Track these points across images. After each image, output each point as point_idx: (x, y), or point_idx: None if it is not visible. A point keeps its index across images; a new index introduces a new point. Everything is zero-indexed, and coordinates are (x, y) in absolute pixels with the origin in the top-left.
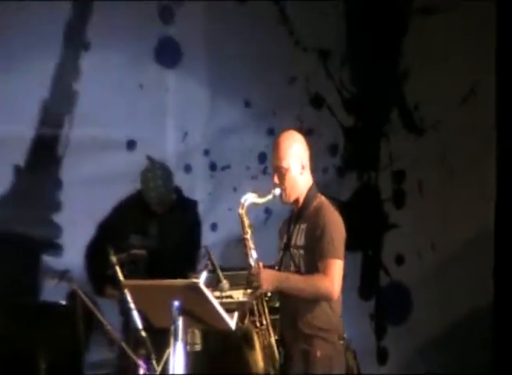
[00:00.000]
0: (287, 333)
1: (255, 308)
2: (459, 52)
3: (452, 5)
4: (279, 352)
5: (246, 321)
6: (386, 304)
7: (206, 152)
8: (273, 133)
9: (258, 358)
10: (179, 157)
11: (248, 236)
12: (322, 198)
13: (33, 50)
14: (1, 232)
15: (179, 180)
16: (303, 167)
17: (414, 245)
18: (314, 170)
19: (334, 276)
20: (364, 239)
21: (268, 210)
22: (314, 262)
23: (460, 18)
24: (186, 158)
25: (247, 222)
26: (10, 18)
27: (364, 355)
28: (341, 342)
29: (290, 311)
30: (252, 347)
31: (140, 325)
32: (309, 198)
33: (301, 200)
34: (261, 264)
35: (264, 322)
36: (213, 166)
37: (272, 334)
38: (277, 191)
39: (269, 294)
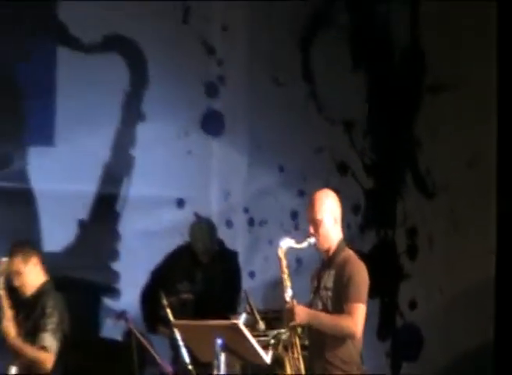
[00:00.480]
0: (315, 363)
1: (290, 340)
2: (465, 124)
3: (457, 82)
4: None
5: (279, 349)
6: (401, 343)
7: (245, 210)
8: (303, 195)
9: None
10: (221, 214)
11: (285, 275)
12: (350, 251)
13: (96, 118)
14: (68, 277)
15: (222, 233)
16: (335, 221)
17: (425, 292)
18: None
19: (357, 318)
20: (382, 287)
21: (298, 260)
22: (339, 303)
23: (466, 93)
24: (228, 215)
25: (284, 263)
26: (78, 89)
27: None
28: (361, 370)
29: (318, 344)
30: (283, 370)
31: (187, 359)
32: (339, 248)
33: (332, 249)
34: (295, 300)
35: (296, 352)
36: (251, 222)
37: (302, 363)
38: (312, 240)
39: (300, 330)
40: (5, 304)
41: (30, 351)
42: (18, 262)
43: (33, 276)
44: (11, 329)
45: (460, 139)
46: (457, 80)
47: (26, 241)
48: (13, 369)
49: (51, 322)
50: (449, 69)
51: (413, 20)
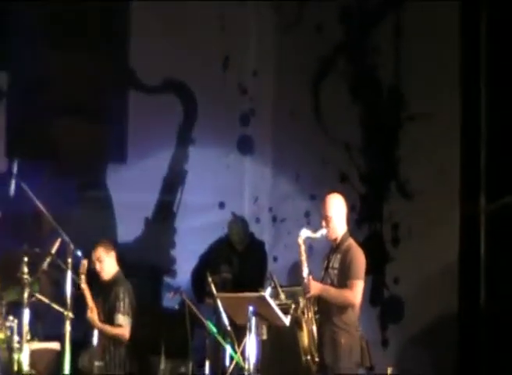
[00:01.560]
0: (324, 325)
1: (306, 306)
2: (435, 144)
3: (429, 114)
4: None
5: (299, 312)
6: (387, 309)
7: (270, 210)
8: (314, 198)
9: (304, 337)
10: (252, 213)
11: (303, 258)
12: (352, 240)
13: (158, 142)
14: (137, 261)
15: (252, 228)
16: (341, 217)
17: (405, 271)
18: None
19: (357, 291)
20: (373, 267)
21: (311, 247)
22: (344, 279)
23: (436, 122)
24: (257, 214)
25: (303, 247)
26: (143, 120)
27: (372, 343)
28: (358, 333)
29: (326, 311)
30: (301, 328)
31: (227, 322)
32: (344, 238)
33: (338, 239)
34: (310, 277)
35: (310, 315)
36: (274, 219)
37: (314, 323)
38: (324, 231)
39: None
40: (88, 296)
41: (109, 329)
42: (101, 251)
43: (110, 265)
44: (95, 317)
45: (432, 155)
46: (429, 112)
47: (109, 239)
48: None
49: (123, 304)
50: (422, 104)
51: (396, 68)
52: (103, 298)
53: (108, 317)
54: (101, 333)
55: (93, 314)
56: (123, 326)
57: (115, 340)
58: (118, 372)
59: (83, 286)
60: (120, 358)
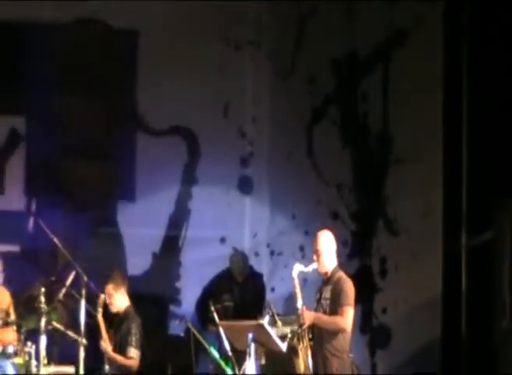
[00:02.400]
0: (316, 352)
1: (301, 334)
2: (420, 185)
3: (414, 157)
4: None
5: (294, 340)
6: (376, 336)
7: (268, 245)
8: (308, 234)
9: (300, 363)
10: (251, 248)
11: (297, 290)
12: (342, 273)
13: (164, 182)
14: (146, 293)
15: (252, 261)
16: (332, 252)
17: (392, 301)
18: None
19: (347, 317)
20: (362, 297)
21: (305, 280)
22: (335, 308)
23: (420, 165)
24: (256, 248)
25: (296, 281)
26: (150, 161)
27: (362, 367)
28: (349, 359)
29: (319, 338)
30: (297, 355)
31: (228, 347)
32: (334, 271)
33: (329, 273)
34: (304, 307)
35: (305, 343)
36: (272, 253)
37: (309, 351)
38: (315, 265)
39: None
40: (103, 328)
41: (121, 360)
42: (110, 287)
43: (120, 300)
44: (108, 346)
45: (417, 196)
46: (414, 156)
47: (119, 274)
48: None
49: (135, 338)
50: (408, 149)
51: (383, 115)
52: (115, 329)
53: (119, 347)
54: (111, 361)
55: (106, 344)
56: (134, 358)
57: (124, 368)
58: None
59: (99, 318)
60: None
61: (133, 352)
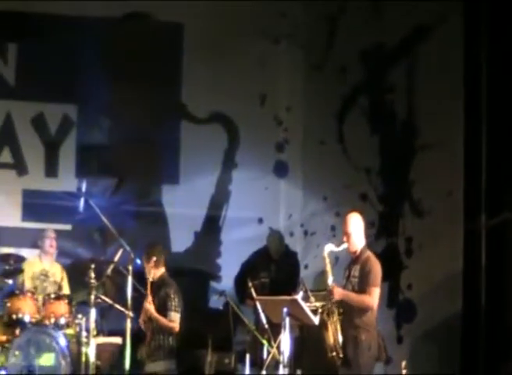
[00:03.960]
0: (345, 325)
1: (331, 309)
2: (442, 170)
3: (438, 143)
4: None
5: (324, 314)
6: (402, 311)
7: (302, 225)
8: (339, 215)
9: (330, 336)
10: (286, 228)
11: (328, 268)
12: (370, 252)
13: (206, 166)
14: (187, 268)
15: (287, 240)
16: (360, 233)
17: (417, 278)
18: None
19: (374, 296)
20: (389, 275)
21: (336, 258)
22: (362, 286)
23: (443, 150)
24: (291, 229)
25: (327, 260)
26: (193, 148)
27: (389, 339)
28: (376, 332)
29: (348, 313)
30: (327, 328)
31: (264, 321)
32: (363, 251)
33: (358, 252)
34: (334, 284)
35: (335, 317)
36: (305, 233)
37: (339, 325)
38: (345, 245)
39: (336, 304)
40: (149, 291)
41: (163, 321)
42: (147, 257)
43: (157, 269)
44: (151, 308)
45: (440, 179)
46: (437, 141)
47: (156, 246)
48: None
49: (174, 302)
50: (432, 134)
51: (409, 103)
52: (153, 296)
53: (158, 312)
54: (150, 324)
55: (151, 305)
56: (175, 321)
57: (164, 330)
58: (165, 358)
59: (149, 284)
60: (169, 346)
61: (174, 316)
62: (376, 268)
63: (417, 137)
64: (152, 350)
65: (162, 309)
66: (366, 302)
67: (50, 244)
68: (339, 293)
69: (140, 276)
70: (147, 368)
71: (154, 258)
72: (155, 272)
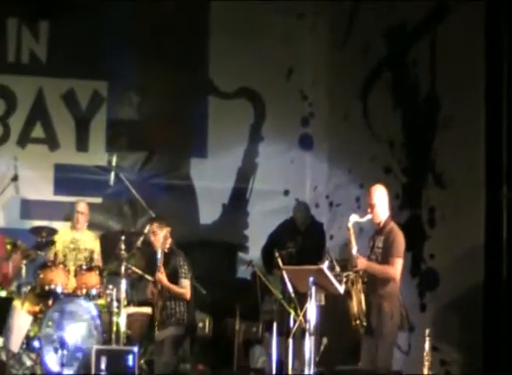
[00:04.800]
0: (369, 295)
1: (355, 279)
2: (465, 142)
3: (459, 117)
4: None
5: (349, 284)
6: (425, 280)
7: (327, 196)
8: (363, 187)
9: (354, 305)
10: (312, 199)
11: (352, 238)
12: (394, 224)
13: (233, 140)
14: (216, 240)
15: (313, 211)
16: (384, 204)
17: (439, 248)
18: None
19: (397, 267)
20: (413, 244)
21: (361, 229)
22: (386, 257)
23: (465, 124)
24: (316, 200)
25: (352, 230)
26: (220, 122)
27: (412, 307)
28: (399, 302)
29: (372, 283)
30: (351, 298)
31: (291, 290)
32: (386, 222)
33: (382, 223)
34: (358, 254)
35: (359, 287)
36: (331, 204)
37: (363, 294)
38: (369, 217)
39: (360, 273)
40: (162, 262)
41: (175, 289)
42: (155, 226)
43: (162, 239)
44: (164, 277)
45: (462, 151)
46: (459, 114)
47: (165, 217)
48: None
49: (184, 270)
50: (454, 107)
51: (431, 77)
52: (165, 264)
53: (170, 279)
54: (161, 294)
55: (163, 275)
56: (186, 287)
57: (175, 298)
58: (174, 324)
59: (161, 255)
60: (180, 313)
61: (185, 283)
62: (399, 239)
63: (439, 111)
64: (164, 318)
65: (173, 278)
66: (389, 273)
67: (80, 215)
68: (362, 263)
69: None
70: (156, 337)
71: (169, 229)
72: (167, 242)
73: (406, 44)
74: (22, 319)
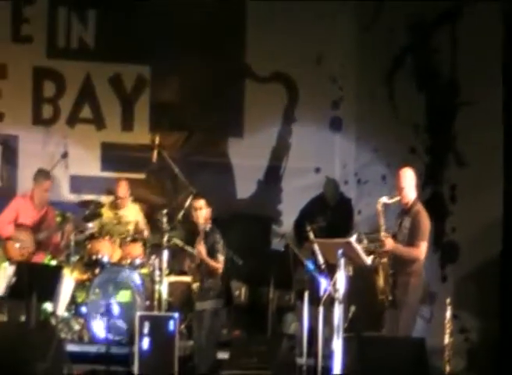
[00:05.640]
0: (398, 273)
1: (382, 256)
2: (484, 124)
3: (479, 99)
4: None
5: (376, 260)
6: (446, 252)
7: (355, 174)
8: (390, 166)
9: (380, 280)
10: (341, 176)
11: (381, 219)
12: (420, 205)
13: (265, 119)
14: (252, 214)
15: (342, 188)
16: (412, 186)
17: (460, 222)
18: None
19: (422, 250)
20: (435, 219)
21: (388, 206)
22: (412, 240)
23: (484, 106)
24: (345, 177)
25: (381, 211)
26: (256, 106)
27: (434, 278)
28: (422, 278)
29: (399, 261)
30: (378, 273)
31: (321, 261)
32: (414, 203)
33: (409, 203)
34: (386, 234)
35: (386, 262)
36: (359, 181)
37: (388, 270)
38: (398, 198)
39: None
40: (202, 236)
41: (212, 263)
42: (203, 203)
43: (207, 214)
44: (202, 251)
45: (481, 133)
46: (479, 98)
47: (198, 193)
48: None
49: (221, 246)
50: (474, 92)
51: (452, 63)
52: (204, 240)
53: (209, 254)
54: (199, 268)
55: (202, 248)
56: (221, 262)
57: (211, 273)
58: (213, 298)
59: (202, 231)
60: (217, 287)
61: (221, 258)
62: (425, 223)
63: (459, 94)
64: (203, 291)
65: (210, 253)
66: (414, 254)
67: (123, 191)
68: (390, 244)
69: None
70: (197, 306)
71: (209, 210)
72: (208, 222)
73: (429, 30)
74: (66, 284)
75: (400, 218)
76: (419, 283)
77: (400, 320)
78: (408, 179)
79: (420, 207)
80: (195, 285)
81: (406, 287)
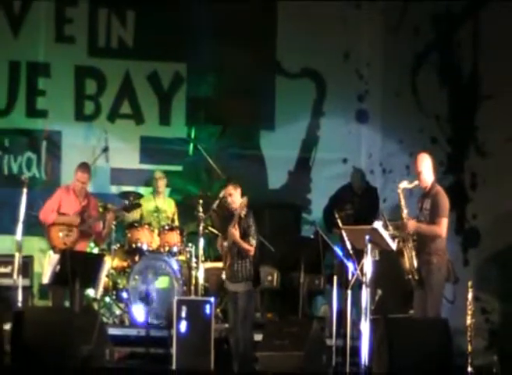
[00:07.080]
0: (419, 251)
1: (406, 238)
2: (506, 117)
3: (500, 92)
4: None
5: (400, 243)
6: (468, 237)
7: (380, 164)
8: (413, 156)
9: (406, 261)
10: (367, 166)
11: (402, 203)
12: (439, 187)
13: (295, 115)
14: (283, 202)
15: (368, 177)
16: (429, 170)
17: (481, 209)
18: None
19: (443, 226)
20: (457, 206)
21: (411, 192)
22: (433, 218)
23: (506, 99)
24: (371, 167)
25: (402, 195)
26: (286, 100)
27: (456, 262)
28: (446, 257)
29: (421, 241)
30: (402, 255)
31: (349, 247)
32: (432, 185)
33: (428, 187)
34: (408, 217)
35: (410, 245)
36: (384, 171)
37: (414, 251)
38: (416, 182)
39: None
40: (236, 220)
41: (244, 245)
42: (231, 188)
43: (238, 198)
44: (236, 233)
45: (501, 125)
46: (499, 92)
47: (234, 179)
48: None
49: (253, 230)
50: (494, 86)
51: (474, 59)
52: (237, 224)
53: (241, 238)
54: (231, 249)
55: (236, 231)
56: (253, 245)
57: (242, 256)
58: (243, 280)
59: (237, 215)
60: (246, 268)
61: (253, 241)
62: (444, 201)
63: (481, 88)
64: (234, 273)
65: (243, 237)
66: (436, 231)
67: (160, 184)
68: (412, 225)
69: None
70: (228, 287)
71: (246, 198)
72: (244, 209)
73: (451, 28)
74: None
75: (420, 201)
76: (442, 262)
77: (428, 300)
78: (425, 163)
79: (438, 188)
80: (226, 265)
81: (429, 266)
